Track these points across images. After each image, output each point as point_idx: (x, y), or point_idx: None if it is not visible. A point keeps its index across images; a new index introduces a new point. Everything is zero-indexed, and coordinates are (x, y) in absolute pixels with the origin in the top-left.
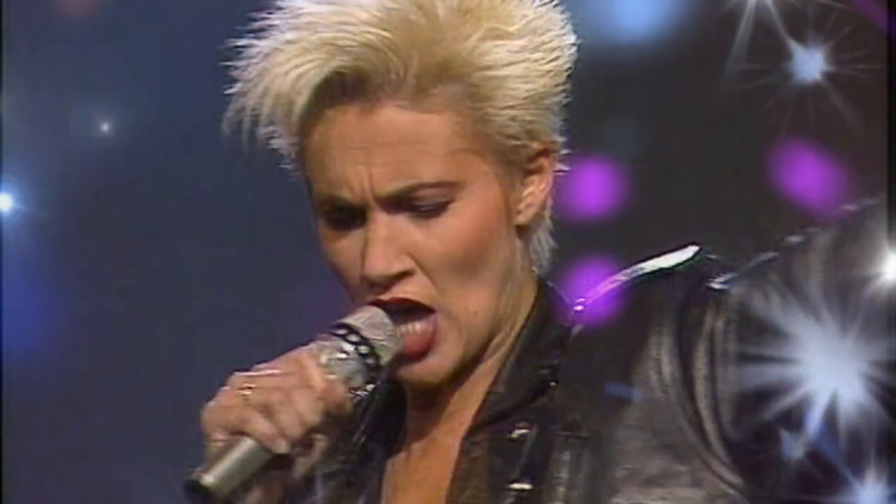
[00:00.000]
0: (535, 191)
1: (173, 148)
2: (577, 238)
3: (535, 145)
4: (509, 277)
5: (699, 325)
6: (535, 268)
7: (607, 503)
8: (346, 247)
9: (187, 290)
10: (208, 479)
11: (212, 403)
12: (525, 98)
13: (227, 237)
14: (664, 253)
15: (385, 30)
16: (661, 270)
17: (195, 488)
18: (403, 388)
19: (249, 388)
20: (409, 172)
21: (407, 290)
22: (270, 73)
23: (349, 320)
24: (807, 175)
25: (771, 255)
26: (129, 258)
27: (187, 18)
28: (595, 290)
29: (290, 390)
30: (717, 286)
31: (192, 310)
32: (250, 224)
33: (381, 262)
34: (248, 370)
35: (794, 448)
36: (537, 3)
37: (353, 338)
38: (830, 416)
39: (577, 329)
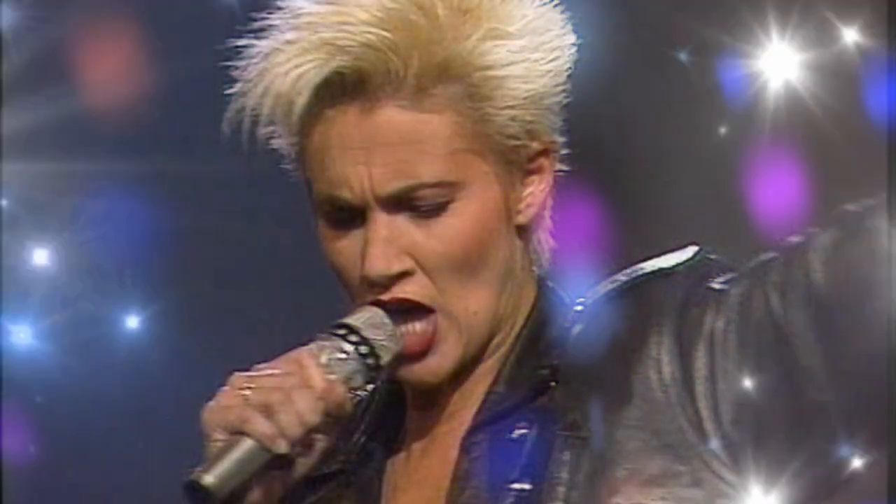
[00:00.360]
0: (535, 191)
1: (173, 148)
2: (579, 239)
3: (535, 145)
4: (509, 277)
5: (699, 325)
6: (535, 268)
7: (607, 503)
8: (346, 247)
9: (187, 290)
10: (208, 479)
11: (212, 403)
12: (525, 98)
13: (227, 237)
14: (664, 253)
15: (385, 30)
16: (661, 270)
17: (195, 488)
18: (403, 388)
19: (249, 388)
20: (409, 172)
21: (407, 290)
22: (270, 73)
23: (349, 320)
24: (806, 175)
25: (771, 255)
26: (128, 258)
27: (188, 18)
28: (595, 290)
29: (290, 390)
30: (717, 286)
31: (192, 310)
32: (250, 224)
33: (381, 262)
34: (248, 370)
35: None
36: (537, 3)
37: (353, 338)
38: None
39: (577, 329)
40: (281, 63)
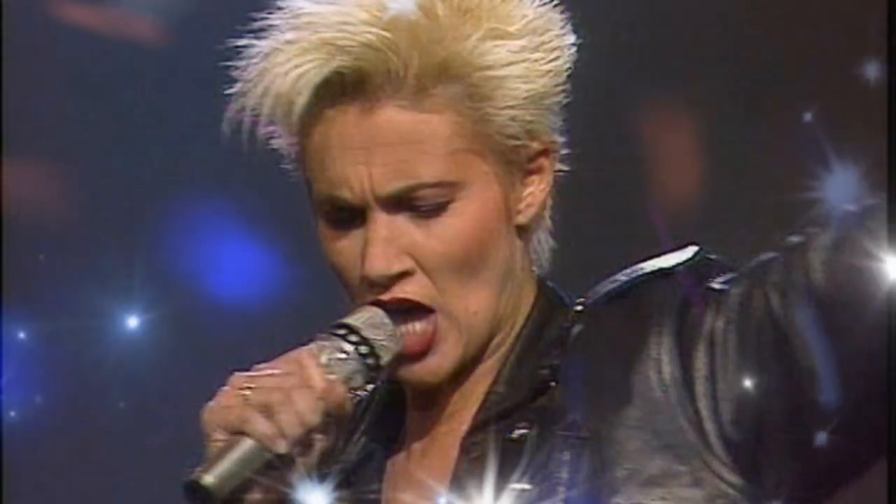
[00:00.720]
0: (535, 191)
1: (173, 148)
2: (577, 238)
3: (535, 145)
4: (509, 277)
5: (699, 325)
6: (535, 268)
7: (607, 503)
8: (346, 247)
9: (187, 290)
10: (208, 478)
11: (212, 403)
12: (525, 98)
13: (227, 236)
14: (664, 253)
15: (385, 30)
16: (661, 270)
17: (195, 488)
18: (403, 388)
19: (249, 388)
20: (409, 172)
21: (407, 290)
22: (270, 73)
23: (349, 320)
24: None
25: (771, 255)
26: (128, 257)
27: (187, 18)
28: (595, 290)
29: (290, 390)
30: (717, 286)
31: (192, 310)
32: (250, 224)
33: (381, 262)
34: (248, 370)
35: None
36: (537, 3)
37: (353, 338)
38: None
39: (577, 329)
40: (281, 63)
